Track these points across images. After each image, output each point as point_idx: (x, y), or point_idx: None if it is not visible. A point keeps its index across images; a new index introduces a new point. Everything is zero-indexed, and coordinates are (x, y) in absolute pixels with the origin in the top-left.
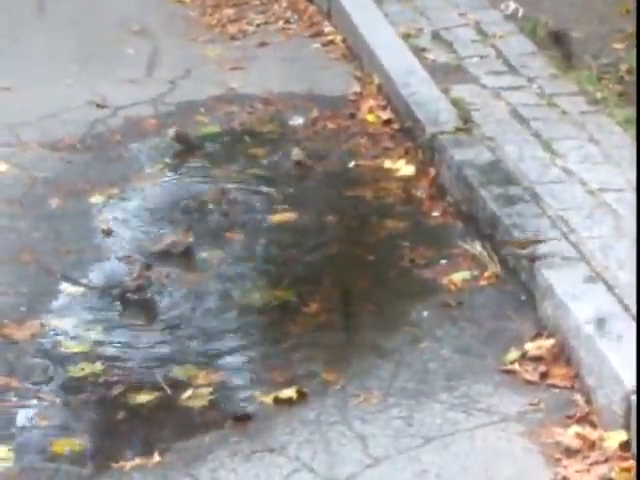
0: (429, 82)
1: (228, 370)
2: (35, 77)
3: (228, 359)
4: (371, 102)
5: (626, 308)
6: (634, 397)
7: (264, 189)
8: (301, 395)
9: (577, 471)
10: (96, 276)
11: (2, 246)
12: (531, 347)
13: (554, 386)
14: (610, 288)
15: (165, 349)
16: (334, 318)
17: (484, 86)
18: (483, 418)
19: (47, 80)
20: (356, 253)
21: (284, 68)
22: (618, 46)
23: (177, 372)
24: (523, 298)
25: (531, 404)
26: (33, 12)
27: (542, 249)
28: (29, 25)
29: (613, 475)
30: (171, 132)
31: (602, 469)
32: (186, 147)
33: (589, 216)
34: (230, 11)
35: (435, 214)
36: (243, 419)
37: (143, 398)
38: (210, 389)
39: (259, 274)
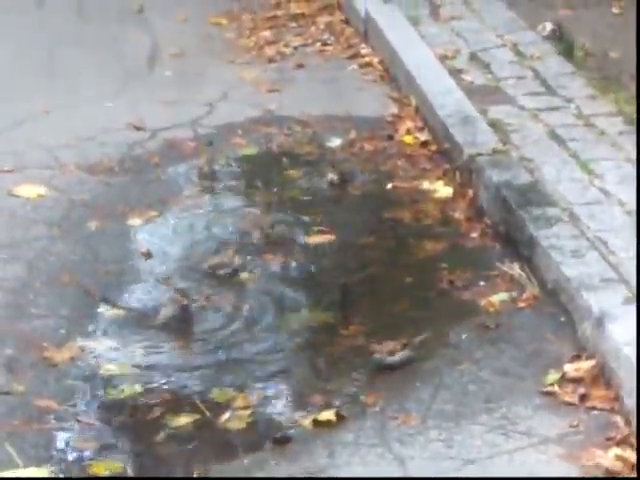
0: (467, 103)
1: (267, 392)
2: (74, 98)
3: (267, 381)
4: (408, 123)
5: None
6: None
7: (302, 211)
8: (340, 417)
9: None
10: (135, 298)
11: (42, 268)
12: (570, 369)
13: (594, 408)
14: None
15: (204, 371)
16: (372, 340)
17: (522, 107)
18: (523, 440)
19: (86, 102)
20: (394, 275)
21: (321, 90)
22: None
23: (216, 394)
24: (562, 319)
25: (571, 426)
26: (73, 30)
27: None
28: (69, 43)
29: None
30: None
31: None
32: None
33: (628, 237)
34: (267, 33)
35: (473, 235)
36: (282, 442)
37: (182, 420)
38: (249, 411)
39: (297, 296)
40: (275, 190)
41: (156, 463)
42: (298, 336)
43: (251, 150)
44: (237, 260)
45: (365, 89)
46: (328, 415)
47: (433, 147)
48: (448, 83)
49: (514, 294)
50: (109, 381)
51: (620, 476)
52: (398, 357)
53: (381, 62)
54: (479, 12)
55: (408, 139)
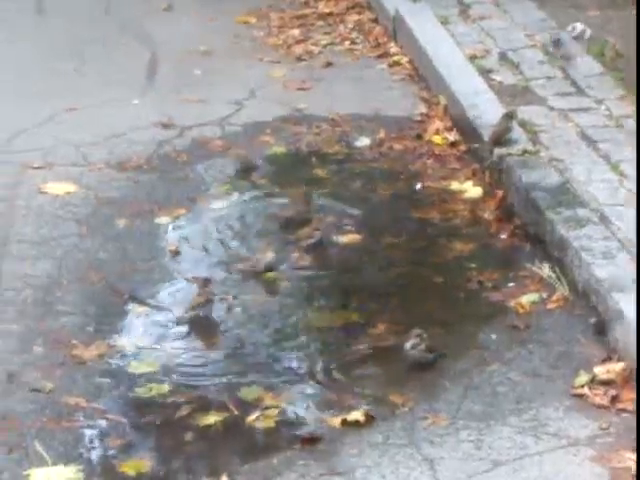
0: (496, 103)
1: (295, 392)
2: (103, 97)
3: (295, 381)
4: (437, 123)
5: None
6: None
7: (331, 210)
8: (369, 418)
9: None
10: (163, 296)
11: (70, 266)
12: (601, 371)
13: (624, 410)
14: None
15: (232, 370)
16: (401, 340)
17: (551, 108)
18: (553, 442)
19: (115, 100)
20: (423, 275)
21: (350, 89)
22: None
23: (244, 393)
24: (592, 321)
25: (601, 428)
26: (101, 28)
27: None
28: (96, 41)
29: None
30: None
31: None
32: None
33: None
34: (296, 32)
35: (503, 236)
36: (311, 441)
37: (210, 419)
38: (277, 411)
39: (326, 295)
40: (303, 189)
41: (184, 462)
42: (327, 335)
43: (279, 149)
44: (265, 258)
45: (394, 88)
46: (357, 415)
47: (462, 147)
48: (477, 83)
49: (544, 295)
50: (137, 379)
51: None
52: (431, 356)
53: (410, 61)
54: (509, 12)
55: (437, 139)
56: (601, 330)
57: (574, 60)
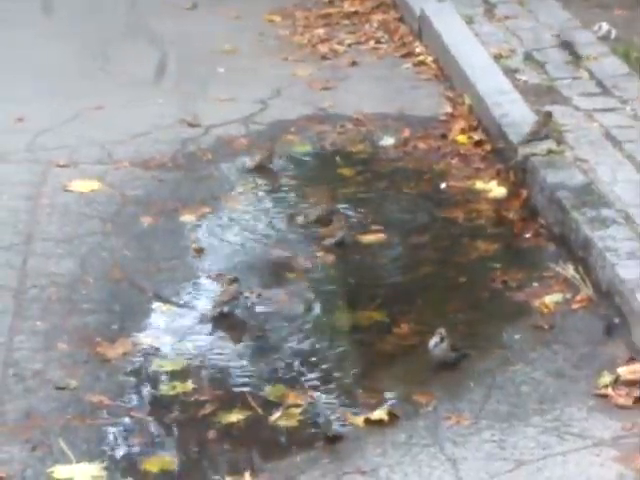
0: (521, 103)
1: (319, 390)
2: (128, 96)
3: (319, 379)
4: (462, 123)
5: None
6: None
7: (355, 209)
8: (392, 417)
9: None
10: (187, 294)
11: (94, 264)
12: (625, 371)
13: None
14: None
15: (256, 368)
16: (425, 339)
17: (577, 107)
18: (576, 442)
19: (139, 99)
20: (447, 274)
21: (375, 88)
22: None
23: (268, 392)
24: (616, 321)
25: (625, 429)
26: (126, 27)
27: None
28: (122, 40)
29: None
30: None
31: None
32: None
33: None
34: (321, 31)
35: (527, 236)
36: (334, 440)
37: (234, 417)
38: (301, 409)
39: (351, 294)
40: (328, 188)
41: (208, 460)
42: (351, 334)
43: (304, 148)
44: (289, 257)
45: (419, 88)
46: (380, 414)
47: (487, 147)
48: (502, 82)
49: (568, 295)
50: (161, 377)
51: None
52: (454, 355)
53: (435, 61)
54: (534, 11)
55: (462, 138)
56: (609, 331)
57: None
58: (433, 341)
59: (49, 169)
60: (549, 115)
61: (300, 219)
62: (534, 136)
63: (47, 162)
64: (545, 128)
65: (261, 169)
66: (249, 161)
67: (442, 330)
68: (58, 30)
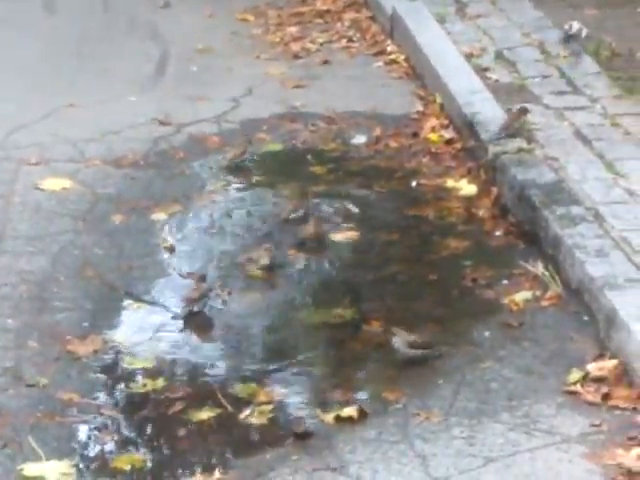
0: (492, 102)
1: (289, 388)
2: (101, 94)
3: (289, 377)
4: (434, 121)
5: None
6: None
7: (326, 207)
8: (362, 414)
9: None
10: (158, 292)
11: (66, 262)
12: (593, 368)
13: (616, 407)
14: None
15: (226, 366)
16: (393, 336)
17: (547, 106)
18: (545, 439)
19: (112, 97)
20: (418, 272)
21: (347, 87)
22: None
23: (238, 389)
24: (585, 319)
25: (593, 425)
26: (99, 25)
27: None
28: (95, 38)
29: None
30: None
31: None
32: None
33: None
34: (293, 29)
35: (497, 234)
36: (304, 437)
37: (204, 415)
38: (271, 406)
39: (321, 292)
40: (299, 186)
41: (178, 458)
42: (321, 332)
43: (276, 146)
44: (260, 255)
45: (390, 86)
46: (350, 411)
47: (458, 145)
48: (474, 81)
49: (537, 293)
50: (132, 375)
51: None
52: (420, 352)
53: (407, 59)
54: (505, 10)
55: (433, 137)
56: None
57: (582, 57)
58: (396, 339)
59: (21, 167)
60: (524, 110)
61: (272, 217)
62: (505, 131)
63: (19, 160)
64: (517, 122)
65: (233, 167)
66: (221, 159)
67: (396, 329)
68: (32, 28)
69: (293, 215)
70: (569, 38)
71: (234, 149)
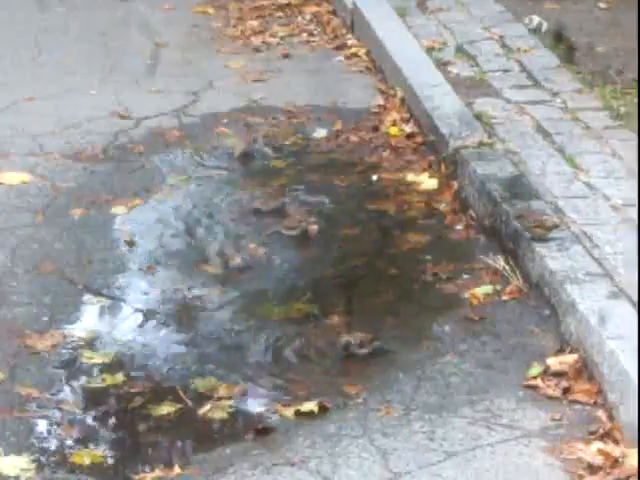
0: (452, 96)
1: (249, 383)
2: (60, 87)
3: (249, 372)
4: (394, 115)
5: None
6: None
7: (286, 201)
8: (322, 408)
9: None
10: (118, 287)
11: (25, 256)
12: (554, 362)
13: (577, 402)
14: (634, 304)
15: (186, 361)
16: (356, 331)
17: (508, 100)
18: (505, 433)
19: (70, 90)
20: (378, 266)
21: (307, 80)
22: None
23: (198, 384)
24: (546, 313)
25: (553, 420)
26: (59, 24)
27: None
28: (54, 31)
29: None
30: None
31: None
32: None
33: (612, 231)
34: (254, 23)
35: (458, 228)
36: (264, 432)
37: (164, 410)
38: (231, 402)
39: (281, 286)
40: (259, 180)
41: (138, 452)
42: (281, 326)
43: (236, 140)
44: (220, 250)
45: (351, 80)
46: (310, 406)
47: (419, 139)
48: (434, 75)
49: (498, 287)
50: (91, 369)
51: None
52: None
53: (367, 53)
54: (466, 4)
55: (394, 131)
56: None
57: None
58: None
59: None
60: None
61: (231, 212)
62: None
63: None
64: None
65: (192, 161)
66: (181, 153)
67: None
68: None
69: (251, 209)
70: (529, 32)
71: (192, 143)
